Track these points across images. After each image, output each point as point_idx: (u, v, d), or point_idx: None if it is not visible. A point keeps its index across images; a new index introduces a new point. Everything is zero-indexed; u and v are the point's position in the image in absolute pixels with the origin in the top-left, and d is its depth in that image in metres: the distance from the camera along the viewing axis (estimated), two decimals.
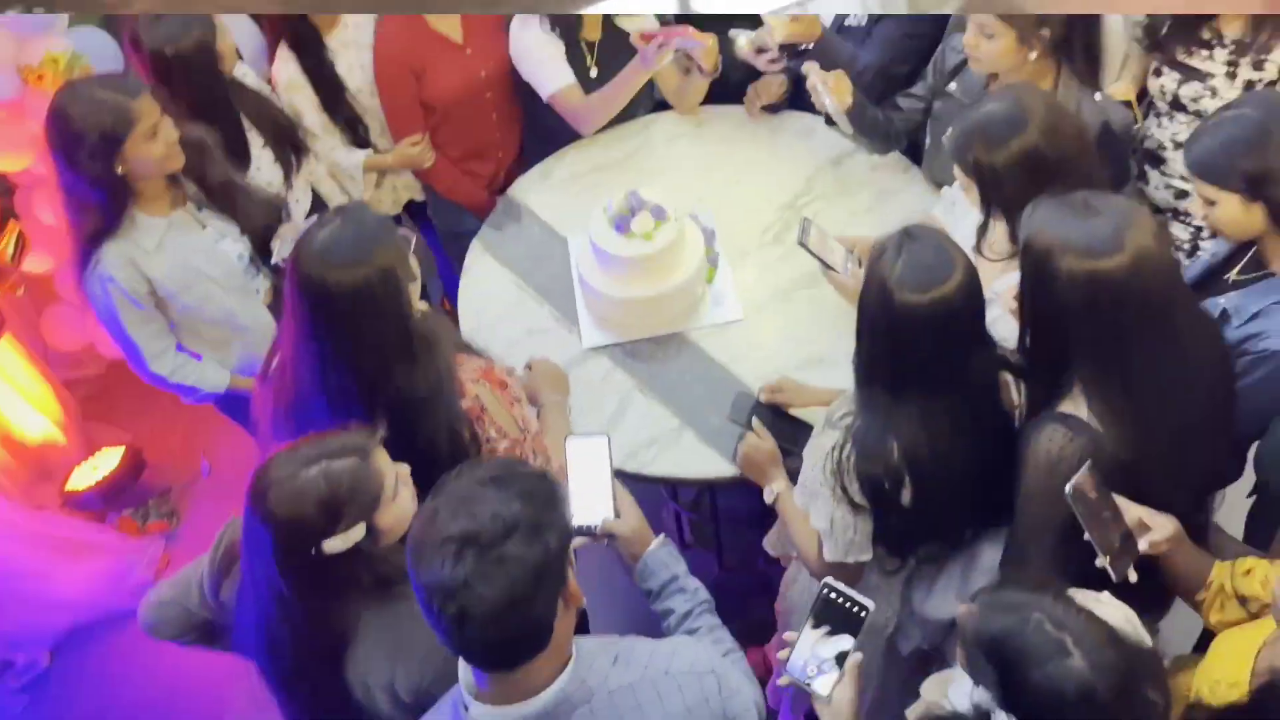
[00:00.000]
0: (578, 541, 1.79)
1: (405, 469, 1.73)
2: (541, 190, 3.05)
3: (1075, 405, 1.76)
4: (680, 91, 3.15)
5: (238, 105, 2.82)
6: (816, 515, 1.92)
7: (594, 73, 3.03)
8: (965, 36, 2.39)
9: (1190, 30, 2.51)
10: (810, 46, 2.78)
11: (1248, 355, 1.99)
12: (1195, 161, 1.97)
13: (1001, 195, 2.04)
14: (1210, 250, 2.20)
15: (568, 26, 2.96)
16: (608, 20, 3.02)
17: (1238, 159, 1.89)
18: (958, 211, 2.53)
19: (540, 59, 2.97)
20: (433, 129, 3.18)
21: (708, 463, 2.37)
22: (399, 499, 1.69)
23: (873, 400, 1.82)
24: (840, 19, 2.91)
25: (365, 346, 1.83)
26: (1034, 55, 2.33)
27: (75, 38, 3.34)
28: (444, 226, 3.47)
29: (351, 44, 3.11)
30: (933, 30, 2.81)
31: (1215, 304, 2.04)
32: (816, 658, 1.58)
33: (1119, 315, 1.67)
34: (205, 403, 2.79)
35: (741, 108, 3.14)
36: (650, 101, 3.21)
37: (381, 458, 1.69)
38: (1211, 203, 1.96)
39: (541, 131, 3.18)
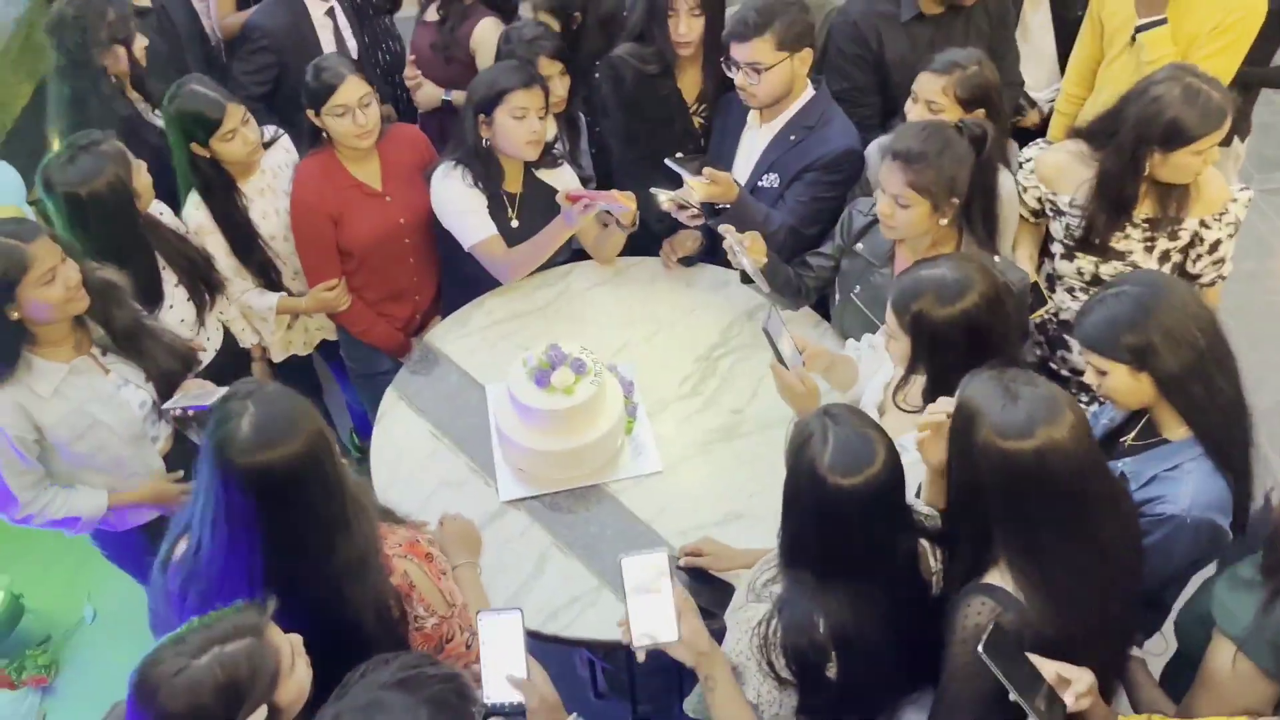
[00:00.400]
0: None
1: (298, 639, 1.67)
2: (459, 337, 3.05)
3: (1002, 577, 1.79)
4: (599, 243, 3.21)
5: (153, 243, 2.78)
6: (745, 688, 1.90)
7: (515, 223, 3.07)
8: (880, 206, 2.50)
9: (1110, 225, 2.67)
10: (727, 206, 2.87)
11: (1146, 518, 2.07)
12: (1084, 335, 2.09)
13: (933, 351, 2.13)
14: (1108, 416, 2.30)
15: (489, 179, 3.00)
16: (529, 173, 3.08)
17: (1121, 333, 2.01)
18: (865, 363, 2.61)
19: (462, 211, 3.00)
20: (349, 273, 3.17)
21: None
22: (295, 672, 1.63)
23: (799, 580, 1.82)
24: (755, 181, 3.02)
25: (312, 520, 1.77)
26: (944, 222, 2.45)
27: None
28: (357, 368, 3.43)
29: (267, 190, 3.10)
30: (840, 193, 2.95)
31: (1115, 468, 2.13)
32: (649, 622, 1.77)
33: (1027, 497, 1.74)
34: (86, 531, 2.66)
35: (659, 259, 3.22)
36: (569, 250, 3.26)
37: (274, 632, 1.62)
38: (1103, 373, 2.07)
39: (460, 276, 3.19)
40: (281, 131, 3.17)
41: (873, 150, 2.97)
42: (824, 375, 2.61)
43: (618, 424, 2.64)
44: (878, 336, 2.60)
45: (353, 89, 2.89)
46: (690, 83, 3.20)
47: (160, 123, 3.16)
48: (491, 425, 2.72)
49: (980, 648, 1.67)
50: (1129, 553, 1.88)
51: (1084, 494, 1.76)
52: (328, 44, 3.60)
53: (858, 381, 2.64)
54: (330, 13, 3.62)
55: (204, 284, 2.92)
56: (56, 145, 2.93)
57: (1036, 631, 1.73)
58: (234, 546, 1.76)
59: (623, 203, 2.92)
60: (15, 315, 2.31)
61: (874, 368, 2.56)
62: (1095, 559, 1.77)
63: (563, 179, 3.12)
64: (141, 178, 2.72)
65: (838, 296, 2.90)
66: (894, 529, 1.81)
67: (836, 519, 1.74)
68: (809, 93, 2.97)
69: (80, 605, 3.63)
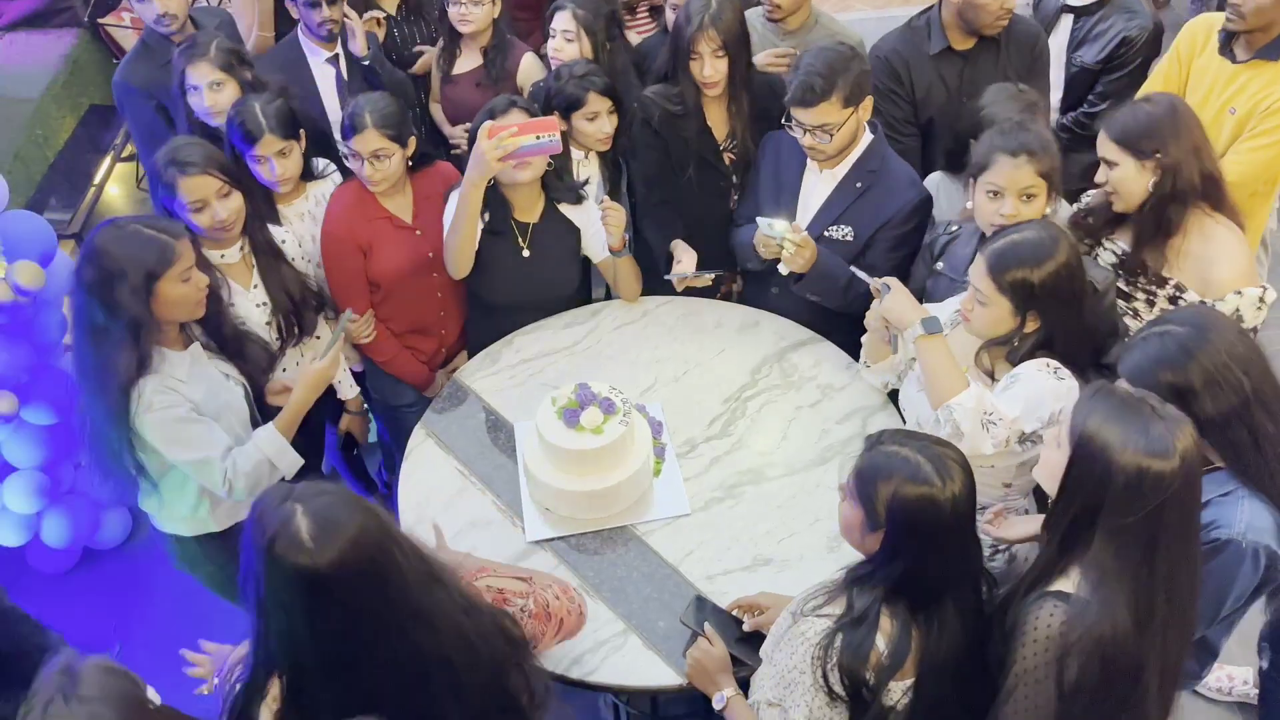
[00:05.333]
0: None
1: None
2: (488, 375, 3.04)
3: (1070, 585, 1.78)
4: (614, 279, 3.21)
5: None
6: (794, 706, 1.86)
7: (526, 253, 3.06)
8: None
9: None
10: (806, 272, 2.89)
11: (1202, 545, 2.03)
12: (1126, 372, 2.08)
13: (1043, 308, 2.28)
14: None
15: (498, 204, 3.01)
16: (550, 206, 3.08)
17: (1161, 373, 2.01)
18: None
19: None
20: (376, 303, 3.18)
21: (653, 671, 2.29)
22: None
23: (881, 605, 1.81)
24: (820, 229, 2.97)
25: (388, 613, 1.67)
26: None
27: (3, 222, 3.32)
28: (381, 399, 3.43)
29: (308, 215, 3.14)
30: (920, 239, 2.96)
31: None
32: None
33: (1159, 515, 1.72)
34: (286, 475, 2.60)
35: (687, 299, 3.22)
36: (603, 287, 3.27)
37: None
38: None
39: (488, 313, 3.21)
40: (333, 167, 3.20)
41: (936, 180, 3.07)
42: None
43: (646, 465, 2.61)
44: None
45: (367, 141, 2.90)
46: (718, 120, 3.20)
47: None
48: (519, 464, 2.70)
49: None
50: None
51: (1197, 506, 1.81)
52: (327, 92, 3.63)
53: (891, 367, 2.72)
54: (334, 60, 3.65)
55: (296, 320, 2.99)
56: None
57: (1108, 636, 1.71)
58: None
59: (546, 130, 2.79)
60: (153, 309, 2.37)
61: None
62: (1189, 569, 1.79)
63: (586, 215, 3.12)
64: (230, 205, 2.74)
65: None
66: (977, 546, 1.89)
67: (958, 528, 1.79)
68: (867, 137, 2.94)
69: (107, 640, 3.62)
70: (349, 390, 3.30)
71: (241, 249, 2.85)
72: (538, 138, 2.79)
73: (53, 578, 3.81)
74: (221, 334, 2.63)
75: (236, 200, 2.75)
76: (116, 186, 5.26)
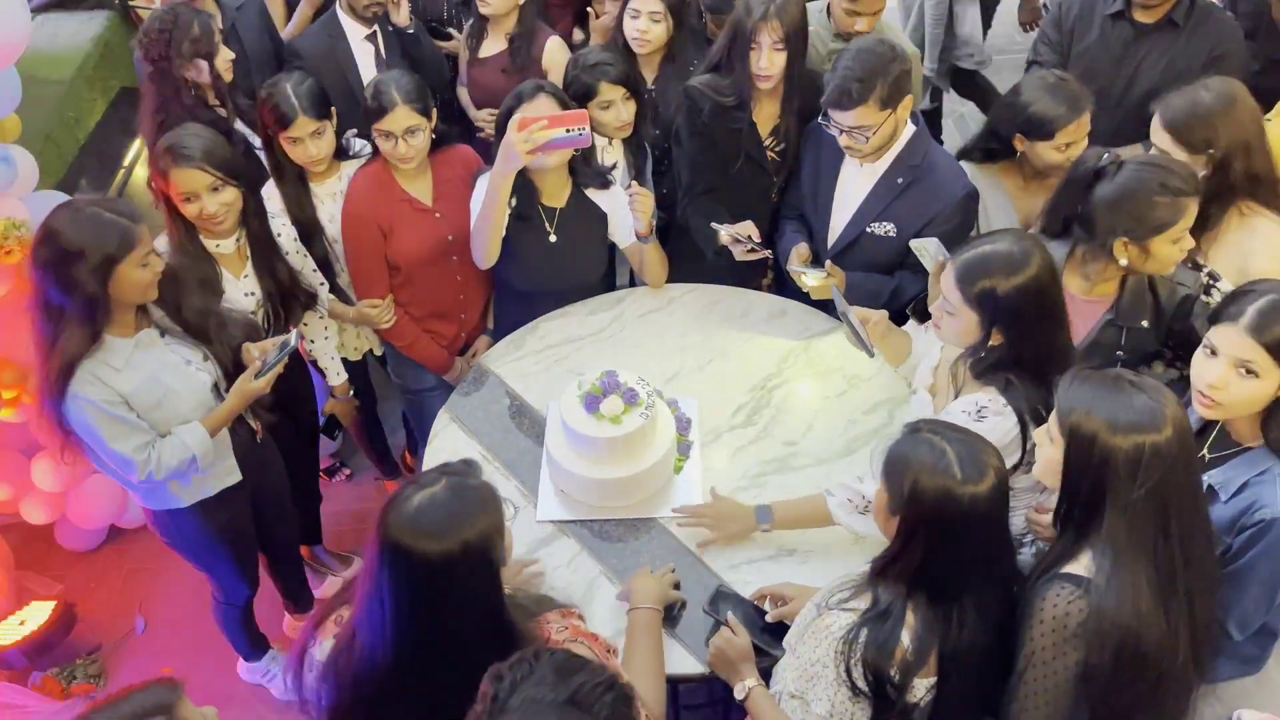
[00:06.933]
0: None
1: (213, 711, 1.63)
2: (513, 360, 3.03)
3: (1081, 568, 1.78)
4: (640, 265, 3.18)
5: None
6: (816, 700, 1.86)
7: (553, 238, 3.04)
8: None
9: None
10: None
11: (1245, 530, 2.02)
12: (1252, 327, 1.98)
13: (1007, 323, 2.17)
14: None
15: (525, 189, 2.98)
16: (577, 191, 3.06)
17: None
18: (920, 341, 2.66)
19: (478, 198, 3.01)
20: (396, 287, 3.20)
21: (675, 659, 2.27)
22: None
23: (906, 600, 1.80)
24: (862, 226, 2.94)
25: (449, 621, 1.70)
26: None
27: (33, 202, 3.33)
28: (402, 383, 3.45)
29: (340, 194, 3.15)
30: (967, 233, 2.88)
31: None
32: None
33: (1165, 483, 1.72)
34: (203, 470, 2.67)
35: (713, 286, 3.20)
36: (611, 273, 3.25)
37: (187, 709, 1.56)
38: (1254, 374, 1.97)
39: (516, 298, 3.20)
40: (369, 146, 3.18)
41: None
42: (880, 342, 2.64)
43: (664, 461, 2.58)
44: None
45: (399, 119, 2.90)
46: (766, 116, 3.14)
47: (244, 131, 3.28)
48: (544, 445, 2.69)
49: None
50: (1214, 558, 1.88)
51: (1199, 469, 1.82)
52: (366, 68, 3.63)
53: (911, 355, 2.67)
54: (372, 38, 3.65)
55: (284, 313, 2.99)
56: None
57: (1115, 617, 1.70)
58: (383, 622, 1.71)
59: (576, 123, 2.79)
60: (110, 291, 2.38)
61: (928, 347, 2.57)
62: (1205, 538, 1.79)
63: (613, 200, 3.09)
64: (221, 199, 2.73)
65: None
66: (1008, 532, 1.86)
67: (977, 527, 1.76)
68: (910, 130, 2.87)
69: (131, 616, 3.67)
70: (336, 377, 3.32)
71: (238, 240, 2.85)
72: (567, 130, 2.78)
73: (80, 555, 3.85)
74: (182, 318, 2.61)
75: (229, 195, 2.73)
76: (146, 169, 5.29)
